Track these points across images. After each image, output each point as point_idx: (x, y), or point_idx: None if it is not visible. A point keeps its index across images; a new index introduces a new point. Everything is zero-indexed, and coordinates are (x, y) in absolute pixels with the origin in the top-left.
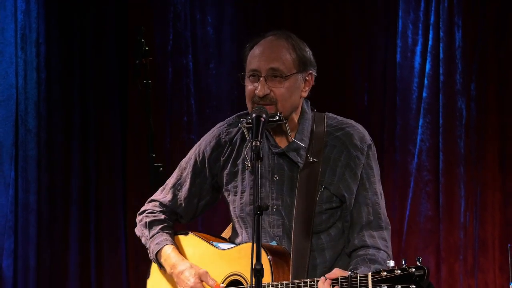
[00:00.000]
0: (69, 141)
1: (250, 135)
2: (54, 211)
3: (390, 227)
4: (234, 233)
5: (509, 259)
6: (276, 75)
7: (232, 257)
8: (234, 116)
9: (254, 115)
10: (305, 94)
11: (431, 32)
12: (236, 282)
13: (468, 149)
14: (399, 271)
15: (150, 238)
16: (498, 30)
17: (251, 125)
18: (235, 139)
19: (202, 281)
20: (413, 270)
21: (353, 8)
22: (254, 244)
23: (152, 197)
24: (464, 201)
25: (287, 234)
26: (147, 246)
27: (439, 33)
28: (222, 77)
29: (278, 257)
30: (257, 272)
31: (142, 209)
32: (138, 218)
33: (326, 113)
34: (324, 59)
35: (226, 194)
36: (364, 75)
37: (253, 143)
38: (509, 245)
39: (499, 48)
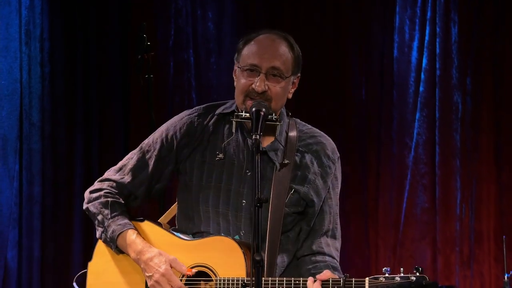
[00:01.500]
0: (73, 134)
1: (237, 128)
2: (58, 203)
3: (340, 241)
4: (188, 222)
5: (504, 250)
6: (276, 74)
7: (199, 249)
8: (201, 106)
9: (254, 109)
10: (290, 96)
11: (427, 27)
12: (200, 274)
13: (463, 142)
14: (399, 279)
15: (111, 218)
16: (493, 26)
17: (243, 120)
18: (206, 129)
19: (172, 267)
20: (414, 278)
21: (351, 4)
22: (254, 236)
23: (106, 176)
24: (460, 193)
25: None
26: (105, 224)
27: (436, 29)
28: (222, 71)
29: (249, 252)
30: (257, 263)
31: (97, 187)
32: (92, 195)
33: (295, 119)
34: (323, 54)
35: (187, 181)
36: (362, 69)
37: (254, 137)
38: (504, 236)
39: (495, 43)
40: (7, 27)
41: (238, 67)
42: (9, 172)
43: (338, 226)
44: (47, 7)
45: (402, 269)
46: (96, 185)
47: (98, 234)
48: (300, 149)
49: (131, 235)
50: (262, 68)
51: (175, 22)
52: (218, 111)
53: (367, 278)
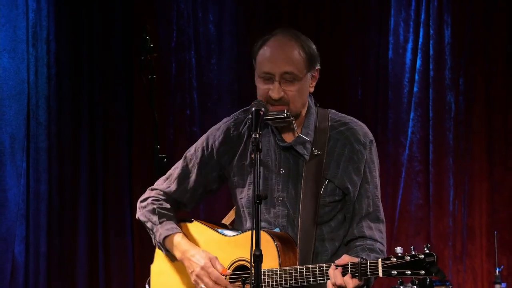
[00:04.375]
0: (78, 133)
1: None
2: (64, 199)
3: (385, 222)
4: (239, 221)
5: (496, 245)
6: (290, 79)
7: (238, 244)
8: (239, 111)
9: (253, 108)
10: (312, 90)
11: (421, 29)
12: (242, 267)
13: (456, 141)
14: (409, 258)
15: (160, 223)
16: (485, 28)
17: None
18: (242, 133)
19: (212, 264)
20: (423, 256)
21: (348, 7)
22: (253, 231)
23: (154, 186)
24: (453, 190)
25: (291, 224)
26: (154, 230)
27: (429, 31)
28: (223, 71)
29: (284, 243)
30: (257, 258)
31: (145, 196)
32: (142, 204)
33: (329, 109)
34: (320, 55)
35: (233, 185)
36: (358, 70)
37: (253, 135)
38: (495, 232)
39: (486, 44)
40: (15, 30)
41: (255, 73)
42: (17, 170)
43: (380, 209)
44: (53, 10)
45: (412, 247)
46: (146, 193)
47: (153, 241)
48: (332, 137)
49: (176, 238)
50: (275, 75)
51: (177, 24)
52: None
53: (379, 259)
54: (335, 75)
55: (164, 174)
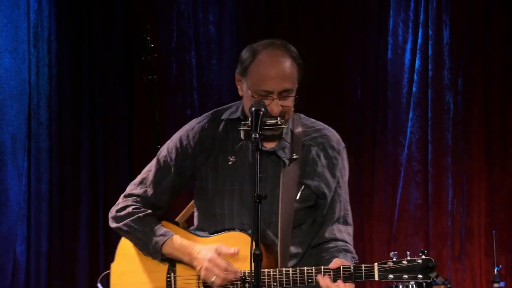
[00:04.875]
0: (79, 133)
1: (244, 131)
2: (65, 199)
3: (353, 226)
4: (207, 222)
5: (494, 245)
6: (287, 95)
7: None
8: (211, 112)
9: (253, 108)
10: None
11: (420, 30)
12: None
13: (455, 141)
14: (406, 262)
15: (149, 231)
16: (483, 28)
17: (249, 128)
18: (216, 135)
19: (219, 253)
20: (420, 261)
21: (347, 8)
22: (254, 231)
23: (128, 191)
24: (452, 190)
25: (268, 228)
26: (145, 239)
27: (428, 31)
28: (223, 72)
29: (264, 245)
30: (257, 257)
31: (122, 204)
32: (119, 213)
33: (300, 114)
34: (320, 55)
35: (204, 186)
36: (358, 70)
37: (253, 135)
38: (494, 231)
39: (485, 45)
40: (16, 30)
41: (246, 86)
42: (18, 170)
43: (350, 213)
44: (54, 10)
45: (408, 252)
46: (121, 202)
47: (138, 248)
48: (306, 143)
49: (176, 241)
50: (274, 93)
51: (177, 24)
52: (224, 116)
53: (376, 264)
54: (335, 75)
55: None
